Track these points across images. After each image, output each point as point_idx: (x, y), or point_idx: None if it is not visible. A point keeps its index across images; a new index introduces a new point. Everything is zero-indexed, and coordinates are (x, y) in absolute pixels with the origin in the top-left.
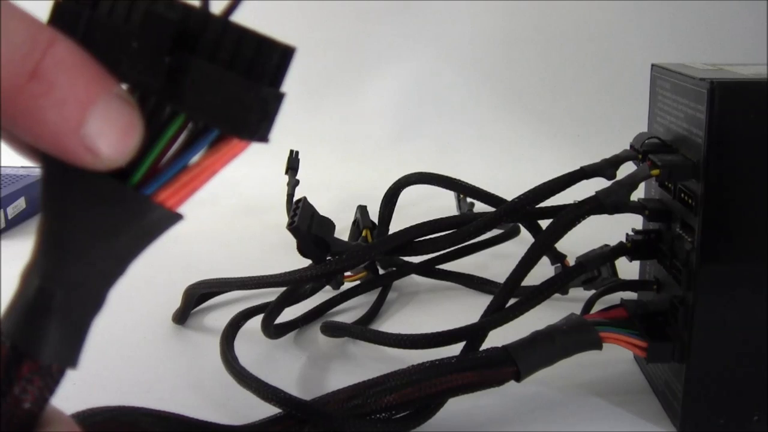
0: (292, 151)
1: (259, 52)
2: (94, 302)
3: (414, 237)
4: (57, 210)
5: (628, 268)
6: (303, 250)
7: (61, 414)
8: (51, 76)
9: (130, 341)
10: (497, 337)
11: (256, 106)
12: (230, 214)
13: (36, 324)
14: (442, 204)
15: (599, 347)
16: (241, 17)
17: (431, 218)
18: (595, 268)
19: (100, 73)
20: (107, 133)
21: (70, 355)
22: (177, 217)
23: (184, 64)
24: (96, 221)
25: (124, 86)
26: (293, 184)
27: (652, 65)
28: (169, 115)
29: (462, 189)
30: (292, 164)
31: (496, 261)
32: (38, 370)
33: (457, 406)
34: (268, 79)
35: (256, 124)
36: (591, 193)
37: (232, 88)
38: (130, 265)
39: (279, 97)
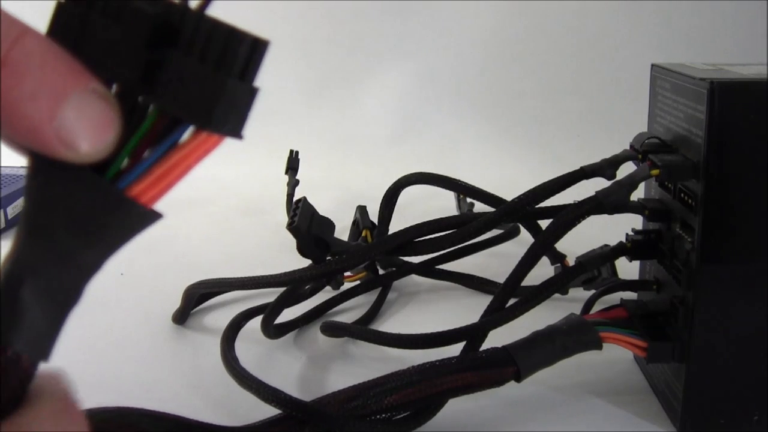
0: (292, 151)
1: (227, 44)
2: (70, 295)
3: (414, 237)
4: (36, 198)
5: (628, 268)
6: (303, 250)
7: (57, 382)
8: (20, 66)
9: (130, 341)
10: (497, 337)
11: (221, 98)
12: (230, 214)
13: (3, 308)
14: (442, 204)
15: (599, 347)
16: (241, 16)
17: (431, 218)
18: (595, 268)
19: (74, 68)
20: (82, 126)
21: (40, 346)
22: (155, 216)
23: (161, 58)
24: (72, 212)
25: (112, 87)
26: (293, 184)
27: (652, 65)
28: (145, 110)
29: (462, 189)
30: (292, 164)
31: (496, 261)
32: (2, 353)
33: (457, 407)
34: (236, 71)
35: (222, 117)
36: (591, 193)
37: (201, 81)
38: (107, 261)
39: (250, 92)
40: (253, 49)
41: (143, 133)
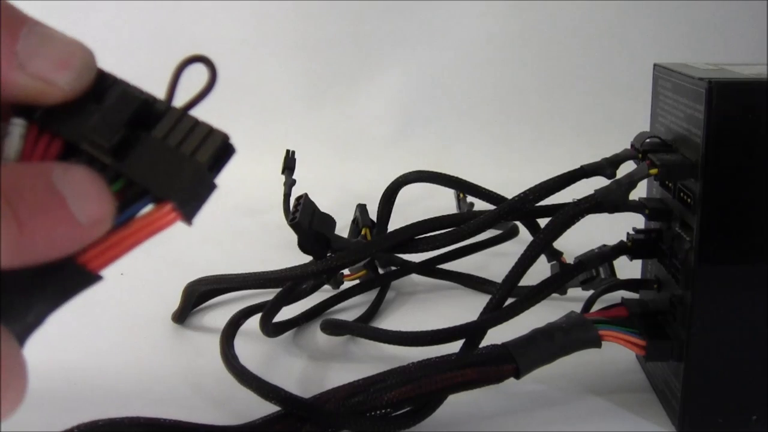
0: (288, 151)
1: (205, 138)
2: None
3: (414, 234)
4: None
5: (629, 268)
6: (304, 246)
7: None
8: None
9: (130, 341)
10: (497, 337)
11: (191, 178)
12: (230, 214)
13: None
14: (442, 203)
15: (598, 345)
16: (241, 16)
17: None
18: (594, 266)
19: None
20: (45, 53)
21: None
22: (96, 278)
23: (138, 138)
24: (18, 275)
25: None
26: (290, 183)
27: (654, 65)
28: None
29: (462, 186)
30: (289, 164)
31: (496, 261)
32: None
33: (457, 405)
34: (207, 162)
35: (186, 196)
36: (591, 192)
37: (175, 160)
38: (47, 319)
39: (210, 186)
40: (224, 148)
41: None
